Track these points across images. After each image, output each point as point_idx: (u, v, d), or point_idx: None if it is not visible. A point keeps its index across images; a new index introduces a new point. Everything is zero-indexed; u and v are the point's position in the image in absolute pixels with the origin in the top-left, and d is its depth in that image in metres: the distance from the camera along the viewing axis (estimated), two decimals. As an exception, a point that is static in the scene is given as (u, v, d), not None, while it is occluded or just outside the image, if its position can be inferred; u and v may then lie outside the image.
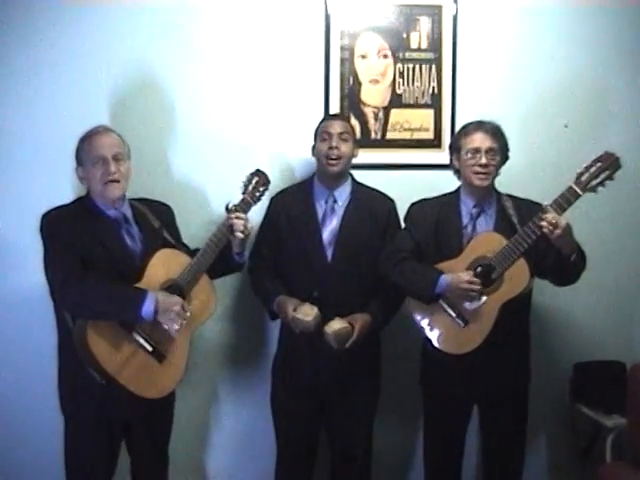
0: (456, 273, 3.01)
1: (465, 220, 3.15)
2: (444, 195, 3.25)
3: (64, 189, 3.22)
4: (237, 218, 2.97)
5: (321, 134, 3.24)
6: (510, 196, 3.16)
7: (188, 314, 2.84)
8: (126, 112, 3.40)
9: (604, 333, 3.82)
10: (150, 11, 3.42)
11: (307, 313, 3.06)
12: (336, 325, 3.08)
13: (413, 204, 3.27)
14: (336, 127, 3.22)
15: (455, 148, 3.16)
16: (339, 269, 3.19)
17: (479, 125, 3.11)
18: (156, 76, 3.44)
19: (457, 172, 3.20)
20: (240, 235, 2.97)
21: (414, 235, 3.17)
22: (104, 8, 3.37)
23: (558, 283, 3.15)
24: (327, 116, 3.42)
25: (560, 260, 2.95)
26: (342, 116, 3.45)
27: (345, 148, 3.21)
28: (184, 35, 3.46)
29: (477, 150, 3.06)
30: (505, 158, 3.15)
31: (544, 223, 2.85)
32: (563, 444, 3.84)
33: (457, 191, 3.21)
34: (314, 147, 3.30)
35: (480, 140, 3.07)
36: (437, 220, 3.16)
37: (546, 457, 3.86)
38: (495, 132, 3.10)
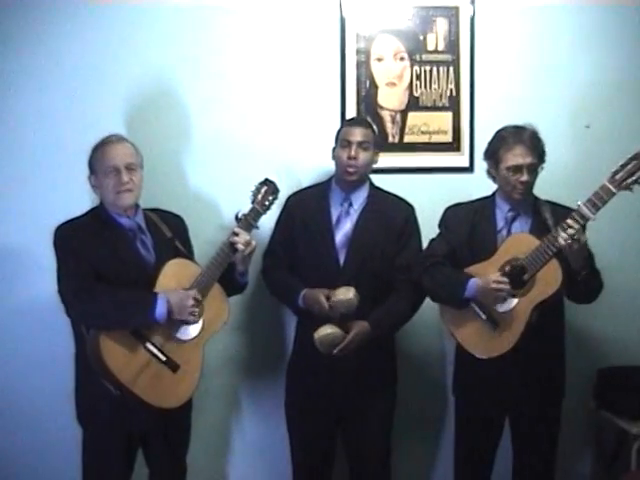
0: (485, 276, 2.96)
1: (500, 224, 3.11)
2: (479, 200, 3.21)
3: (80, 199, 3.19)
4: (236, 235, 2.94)
5: (341, 140, 3.17)
6: (549, 202, 3.10)
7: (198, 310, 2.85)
8: (140, 122, 3.40)
9: (628, 338, 3.75)
10: (166, 21, 3.44)
11: (346, 293, 3.00)
12: (322, 331, 3.02)
13: (448, 208, 3.22)
14: (357, 135, 3.15)
15: (493, 159, 3.06)
16: (350, 273, 3.14)
17: (519, 136, 3.00)
18: (170, 86, 3.44)
19: (492, 177, 3.13)
20: (241, 248, 2.94)
21: (449, 239, 3.14)
22: (121, 16, 3.39)
23: (570, 297, 3.10)
24: (350, 121, 3.31)
25: (569, 273, 2.90)
26: (365, 122, 3.30)
27: (364, 157, 3.15)
28: (198, 42, 3.45)
29: (519, 168, 2.99)
30: (543, 161, 3.07)
31: (564, 236, 2.80)
32: (587, 451, 3.78)
33: (493, 195, 3.16)
34: (334, 149, 3.23)
35: (522, 156, 2.97)
36: (472, 224, 3.12)
37: (570, 464, 3.78)
38: (535, 143, 3.01)
